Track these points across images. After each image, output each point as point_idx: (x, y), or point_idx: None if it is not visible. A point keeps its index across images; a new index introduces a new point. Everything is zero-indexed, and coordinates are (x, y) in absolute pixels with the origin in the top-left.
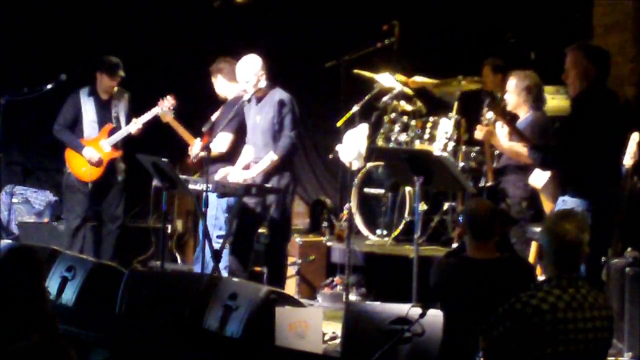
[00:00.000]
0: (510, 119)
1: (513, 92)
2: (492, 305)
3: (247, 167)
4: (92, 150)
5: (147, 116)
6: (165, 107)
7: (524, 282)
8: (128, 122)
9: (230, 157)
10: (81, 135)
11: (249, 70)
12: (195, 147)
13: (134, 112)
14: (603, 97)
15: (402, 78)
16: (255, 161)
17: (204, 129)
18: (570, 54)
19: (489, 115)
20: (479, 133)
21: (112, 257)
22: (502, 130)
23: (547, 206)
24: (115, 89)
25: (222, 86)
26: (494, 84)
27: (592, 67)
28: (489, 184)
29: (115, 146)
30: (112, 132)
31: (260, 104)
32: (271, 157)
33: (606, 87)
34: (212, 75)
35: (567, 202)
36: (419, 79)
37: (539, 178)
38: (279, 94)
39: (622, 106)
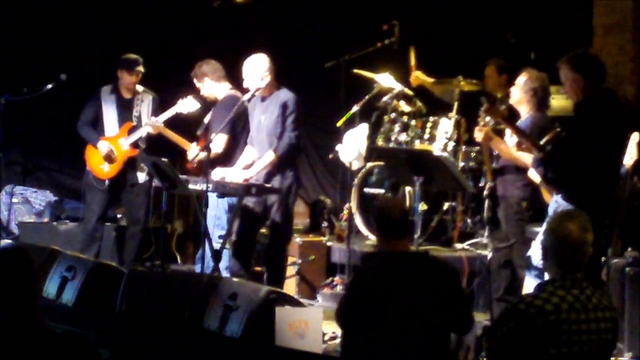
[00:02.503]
0: (511, 121)
1: (520, 89)
2: (418, 305)
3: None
4: (106, 143)
5: (166, 115)
6: (184, 106)
7: (447, 279)
8: None
9: (226, 158)
10: (102, 133)
11: (253, 69)
12: (192, 151)
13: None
14: (600, 106)
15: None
16: None
17: (198, 133)
18: (560, 68)
19: (487, 119)
20: (479, 135)
21: (134, 259)
22: (511, 139)
23: (548, 198)
24: (141, 88)
25: (210, 88)
26: (498, 84)
27: (580, 77)
28: (488, 184)
29: (134, 145)
30: (131, 131)
31: (265, 103)
32: (269, 157)
33: (602, 93)
34: (197, 80)
35: (559, 203)
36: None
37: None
38: (284, 94)
39: (622, 109)
